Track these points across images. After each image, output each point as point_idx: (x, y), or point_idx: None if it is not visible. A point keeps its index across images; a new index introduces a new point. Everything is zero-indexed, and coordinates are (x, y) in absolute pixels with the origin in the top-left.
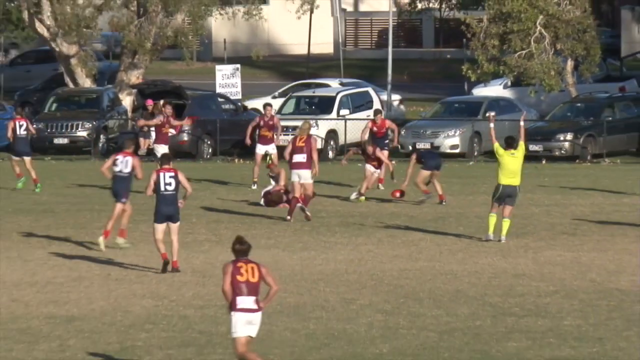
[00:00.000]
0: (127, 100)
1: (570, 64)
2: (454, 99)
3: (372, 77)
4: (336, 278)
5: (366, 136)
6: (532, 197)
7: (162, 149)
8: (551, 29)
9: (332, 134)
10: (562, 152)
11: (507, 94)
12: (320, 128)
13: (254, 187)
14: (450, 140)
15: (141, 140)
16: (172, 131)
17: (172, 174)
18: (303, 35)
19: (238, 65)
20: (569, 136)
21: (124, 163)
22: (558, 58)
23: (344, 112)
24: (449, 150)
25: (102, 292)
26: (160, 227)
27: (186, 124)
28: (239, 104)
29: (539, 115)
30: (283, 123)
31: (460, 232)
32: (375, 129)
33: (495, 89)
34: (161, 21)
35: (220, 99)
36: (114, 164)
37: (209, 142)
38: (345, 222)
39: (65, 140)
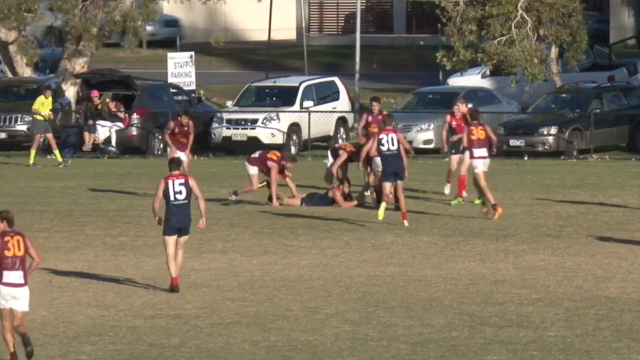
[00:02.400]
0: (70, 91)
1: (554, 51)
2: (428, 90)
3: (339, 66)
4: (299, 285)
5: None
6: (513, 197)
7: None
8: (534, 13)
9: (294, 127)
10: (546, 147)
11: (486, 84)
12: (281, 121)
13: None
14: (424, 134)
15: (86, 134)
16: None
17: (182, 180)
18: (263, 20)
19: (192, 53)
20: (553, 130)
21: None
22: (541, 45)
23: (307, 103)
24: (422, 146)
25: (43, 300)
26: (172, 240)
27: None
28: (194, 94)
29: (521, 107)
30: (241, 115)
31: (435, 234)
32: (454, 123)
33: (472, 79)
34: (108, 4)
35: (172, 90)
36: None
37: (160, 137)
38: (309, 224)
39: (3, 135)
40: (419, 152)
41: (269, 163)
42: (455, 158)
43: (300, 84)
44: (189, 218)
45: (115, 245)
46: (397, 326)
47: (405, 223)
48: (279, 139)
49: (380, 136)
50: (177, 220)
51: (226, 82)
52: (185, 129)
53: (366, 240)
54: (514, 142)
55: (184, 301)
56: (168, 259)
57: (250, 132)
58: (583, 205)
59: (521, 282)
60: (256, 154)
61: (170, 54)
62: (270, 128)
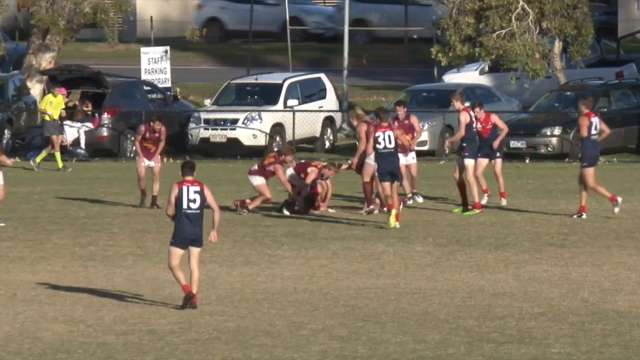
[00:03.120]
0: (36, 89)
1: (558, 45)
2: (422, 87)
3: (325, 61)
4: (283, 298)
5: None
6: (514, 202)
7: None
8: (536, 4)
9: (278, 128)
10: (549, 149)
11: (484, 80)
12: (263, 121)
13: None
14: None
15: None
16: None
17: (198, 188)
18: None
19: (167, 48)
20: (557, 130)
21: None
22: (544, 38)
23: (291, 102)
24: (415, 147)
25: (6, 315)
26: (179, 253)
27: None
28: (169, 92)
29: (522, 106)
30: (220, 115)
31: (430, 243)
32: (479, 126)
33: (470, 75)
34: None
35: (146, 87)
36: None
37: (132, 138)
38: (293, 232)
39: None
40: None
41: (270, 168)
42: (471, 163)
43: (284, 81)
44: (202, 229)
45: (85, 255)
46: (389, 342)
47: (397, 225)
48: (261, 141)
49: (377, 134)
50: (189, 231)
51: (204, 79)
52: (157, 135)
53: (355, 250)
54: (514, 144)
55: (158, 316)
56: (174, 271)
57: (230, 133)
58: (589, 211)
59: (522, 295)
60: (255, 166)
61: (143, 49)
62: (252, 129)
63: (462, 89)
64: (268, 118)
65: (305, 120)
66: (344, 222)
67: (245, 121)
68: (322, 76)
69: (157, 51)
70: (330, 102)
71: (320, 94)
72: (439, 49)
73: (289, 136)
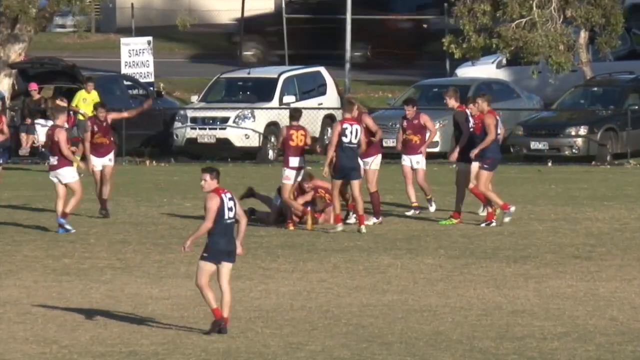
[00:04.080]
0: (4, 84)
1: (584, 35)
2: (432, 82)
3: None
4: (279, 316)
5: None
6: (535, 210)
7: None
8: None
9: (272, 127)
10: (574, 151)
11: (502, 75)
12: (257, 120)
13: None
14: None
15: (23, 136)
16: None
17: (230, 195)
18: None
19: (150, 38)
20: (583, 130)
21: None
22: (568, 28)
23: (288, 99)
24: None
25: None
26: (211, 269)
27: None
28: (152, 88)
29: (544, 103)
30: (208, 113)
31: (441, 255)
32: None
33: (486, 69)
34: None
35: (126, 82)
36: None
37: (112, 138)
38: (290, 243)
39: None
40: None
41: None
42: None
43: (280, 75)
44: (235, 241)
45: (58, 269)
46: None
47: (363, 229)
48: (254, 141)
49: (344, 126)
50: (225, 243)
51: (191, 73)
52: (104, 124)
53: (358, 263)
54: (535, 145)
55: (140, 335)
56: (204, 290)
57: (220, 133)
58: (618, 220)
59: (544, 313)
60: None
61: (124, 40)
62: (244, 128)
63: (477, 85)
64: (262, 116)
65: (304, 119)
66: (346, 232)
67: (237, 120)
68: (322, 70)
69: (138, 42)
70: (330, 98)
71: (320, 89)
72: (451, 40)
73: None
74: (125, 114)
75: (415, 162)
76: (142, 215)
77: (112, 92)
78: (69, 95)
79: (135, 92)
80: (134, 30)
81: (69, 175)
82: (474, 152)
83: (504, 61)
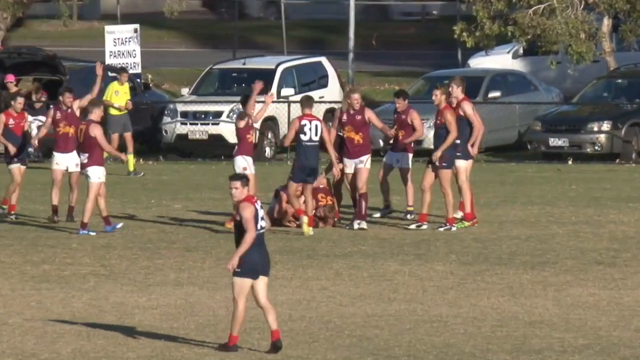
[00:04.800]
0: None
1: (607, 23)
2: (443, 74)
3: (327, 43)
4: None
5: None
6: (554, 212)
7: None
8: None
9: (269, 122)
10: (596, 148)
11: (518, 65)
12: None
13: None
14: None
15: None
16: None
17: (261, 204)
18: None
19: (137, 26)
20: (606, 126)
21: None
22: (590, 15)
23: (286, 91)
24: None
25: None
26: (248, 284)
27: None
28: (139, 80)
29: (563, 95)
30: (200, 107)
31: (452, 261)
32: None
33: (501, 59)
34: None
35: (111, 74)
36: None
37: (36, 131)
38: (288, 248)
39: None
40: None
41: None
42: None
43: (278, 66)
44: (267, 252)
45: (37, 276)
46: None
47: (310, 232)
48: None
49: (302, 122)
50: (259, 256)
51: (181, 63)
52: (69, 111)
53: (363, 269)
54: (554, 142)
55: (126, 348)
56: (237, 316)
57: (213, 129)
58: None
59: (564, 324)
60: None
61: (108, 28)
62: None
63: (491, 76)
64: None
65: None
66: (349, 236)
67: (231, 114)
68: (323, 60)
69: (124, 30)
70: (332, 91)
71: (321, 81)
72: (463, 28)
73: (283, 132)
74: (89, 97)
75: (395, 160)
76: (128, 217)
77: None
78: (50, 87)
79: None
80: (120, 18)
81: (94, 175)
82: (436, 155)
83: (521, 51)
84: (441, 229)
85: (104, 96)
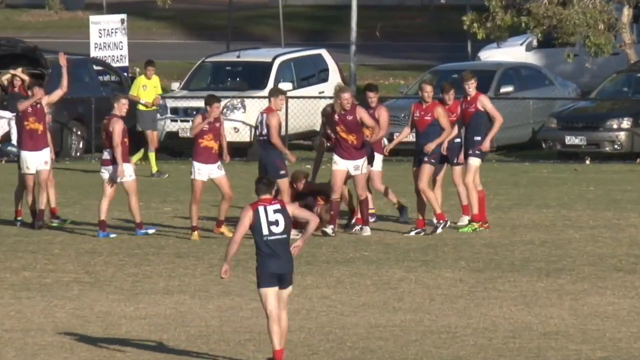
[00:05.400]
0: None
1: (627, 13)
2: (451, 67)
3: (327, 34)
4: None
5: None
6: (570, 215)
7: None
8: None
9: None
10: (616, 146)
11: (532, 58)
12: (248, 110)
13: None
14: None
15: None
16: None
17: (278, 207)
18: None
19: (124, 16)
20: (626, 123)
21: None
22: (609, 4)
23: (284, 86)
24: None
25: None
26: (274, 293)
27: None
28: (126, 74)
29: (581, 90)
30: (191, 103)
31: (462, 268)
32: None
33: (514, 52)
34: None
35: (96, 67)
36: None
37: (79, 133)
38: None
39: None
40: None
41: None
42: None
43: (275, 59)
44: (292, 262)
45: (17, 284)
46: None
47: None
48: (245, 136)
49: (258, 117)
50: (275, 264)
51: (171, 56)
52: (39, 107)
53: (366, 276)
54: (571, 140)
55: None
56: (270, 323)
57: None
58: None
59: (581, 335)
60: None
61: (93, 18)
62: (233, 120)
63: (503, 70)
64: (254, 107)
65: (302, 110)
66: (351, 241)
67: (225, 111)
68: (324, 52)
69: (110, 20)
70: (333, 85)
71: (321, 75)
72: (474, 18)
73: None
74: (59, 92)
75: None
76: (115, 222)
77: (80, 78)
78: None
79: (106, 78)
80: (105, 7)
81: (124, 172)
82: (430, 147)
83: (535, 43)
84: (412, 233)
85: (131, 91)
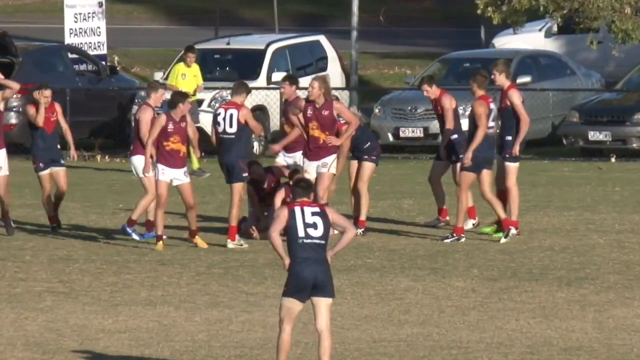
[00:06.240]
0: None
1: None
2: (463, 55)
3: (326, 18)
4: (266, 354)
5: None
6: (594, 219)
7: None
8: None
9: (259, 113)
10: None
11: (552, 46)
12: None
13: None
14: None
15: None
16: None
17: (317, 209)
18: None
19: (102, 0)
20: None
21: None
22: None
23: (278, 76)
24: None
25: None
26: (296, 307)
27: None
28: (104, 62)
29: (605, 81)
30: None
31: (474, 277)
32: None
33: (531, 38)
34: None
35: (71, 55)
36: None
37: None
38: (280, 261)
39: None
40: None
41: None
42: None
43: (268, 46)
44: (328, 269)
45: None
46: None
47: (230, 244)
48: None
49: (218, 111)
50: (311, 271)
51: (154, 43)
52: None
53: (368, 286)
54: (594, 136)
55: None
56: (280, 344)
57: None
58: None
59: (606, 350)
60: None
61: (68, 1)
62: None
63: (520, 58)
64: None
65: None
66: (352, 246)
67: (213, 103)
68: (322, 39)
69: (87, 4)
70: (333, 75)
71: (319, 64)
72: (488, 1)
73: (274, 124)
74: (14, 85)
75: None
76: (92, 226)
77: (53, 67)
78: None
79: (82, 67)
80: None
81: (140, 165)
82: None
83: (555, 28)
84: (447, 240)
85: (169, 80)
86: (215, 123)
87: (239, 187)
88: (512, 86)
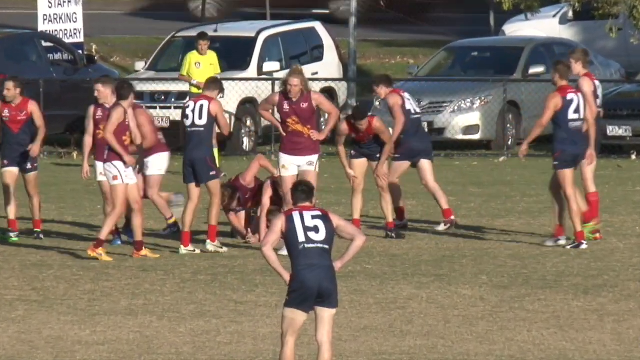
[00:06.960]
0: None
1: None
2: (471, 43)
3: (322, 3)
4: None
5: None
6: (613, 221)
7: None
8: None
9: (248, 106)
10: None
11: (567, 33)
12: (227, 95)
13: None
14: (464, 117)
15: None
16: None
17: (318, 213)
18: None
19: None
20: None
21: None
22: None
23: (270, 66)
24: (461, 136)
25: None
26: (300, 318)
27: None
28: (80, 52)
29: (625, 71)
30: (159, 86)
31: (483, 284)
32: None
33: (545, 25)
34: None
35: (45, 43)
36: None
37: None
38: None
39: None
40: (459, 146)
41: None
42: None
43: (259, 33)
44: (334, 278)
45: None
46: None
47: (182, 250)
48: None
49: (187, 104)
50: (313, 279)
51: (134, 30)
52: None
53: (368, 294)
54: (613, 131)
55: None
56: (286, 349)
57: (176, 114)
58: None
59: None
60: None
61: None
62: None
63: (533, 47)
64: (234, 90)
65: None
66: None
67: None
68: (317, 26)
69: None
70: (329, 65)
71: (314, 53)
72: None
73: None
74: None
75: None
76: (68, 229)
77: (26, 56)
78: None
79: (57, 56)
80: None
81: (154, 165)
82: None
83: (571, 14)
84: (568, 246)
85: (182, 70)
86: (184, 116)
87: (216, 185)
88: (588, 74)
